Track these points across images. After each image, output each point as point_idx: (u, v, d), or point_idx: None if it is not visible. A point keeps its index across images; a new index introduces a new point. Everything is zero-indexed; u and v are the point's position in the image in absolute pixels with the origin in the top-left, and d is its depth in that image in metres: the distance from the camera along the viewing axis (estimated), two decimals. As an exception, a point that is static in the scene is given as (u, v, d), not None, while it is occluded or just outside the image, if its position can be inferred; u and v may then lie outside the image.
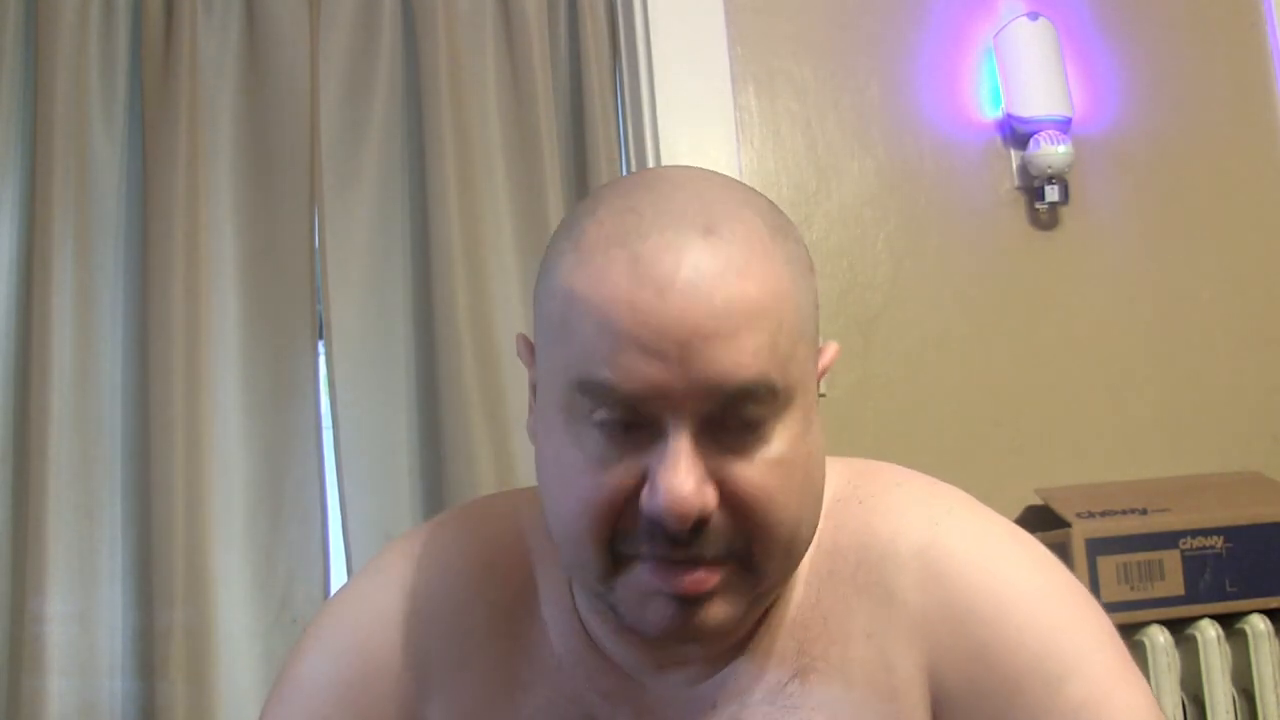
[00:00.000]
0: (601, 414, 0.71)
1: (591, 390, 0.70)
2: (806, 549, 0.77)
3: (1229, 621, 1.64)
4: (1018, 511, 1.77)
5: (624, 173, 1.85)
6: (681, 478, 0.68)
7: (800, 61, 1.91)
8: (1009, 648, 0.78)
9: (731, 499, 0.70)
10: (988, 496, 1.98)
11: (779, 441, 0.72)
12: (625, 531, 0.71)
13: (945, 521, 0.82)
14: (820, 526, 0.80)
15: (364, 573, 0.87)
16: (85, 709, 1.57)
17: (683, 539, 0.70)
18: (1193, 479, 1.82)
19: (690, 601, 0.72)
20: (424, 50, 1.77)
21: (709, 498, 0.69)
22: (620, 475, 0.71)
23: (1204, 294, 1.98)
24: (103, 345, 1.66)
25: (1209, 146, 2.02)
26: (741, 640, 0.80)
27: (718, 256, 0.71)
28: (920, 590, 0.79)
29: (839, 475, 0.85)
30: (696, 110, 1.83)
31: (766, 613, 0.80)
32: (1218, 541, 1.65)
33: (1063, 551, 1.62)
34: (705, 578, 0.71)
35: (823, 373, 0.80)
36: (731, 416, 0.70)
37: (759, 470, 0.71)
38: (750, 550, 0.72)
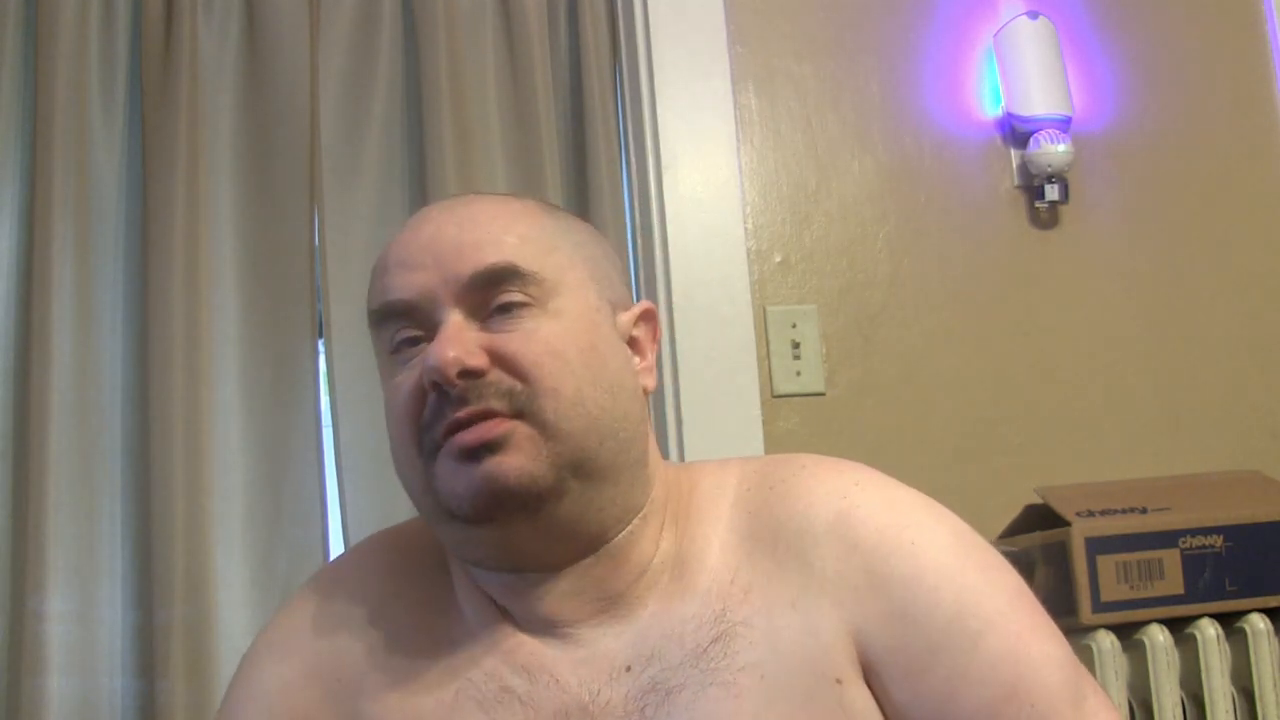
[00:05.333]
0: (396, 338, 0.85)
1: (380, 315, 0.86)
2: (604, 423, 0.84)
3: (1229, 621, 1.64)
4: (1017, 510, 1.77)
5: (624, 172, 1.85)
6: (444, 343, 0.81)
7: (800, 60, 1.91)
8: (927, 607, 0.82)
9: (502, 361, 0.82)
10: (988, 495, 1.98)
11: (546, 324, 0.83)
12: (427, 422, 0.82)
13: (854, 494, 0.87)
14: (732, 517, 0.88)
15: (283, 605, 0.95)
16: (85, 707, 1.57)
17: (457, 393, 0.80)
18: (1193, 478, 1.82)
19: (482, 454, 0.80)
20: (424, 50, 1.77)
21: (471, 354, 0.81)
22: (415, 375, 0.83)
23: (1204, 293, 1.98)
24: (103, 344, 1.66)
25: (1209, 146, 2.03)
26: (637, 596, 0.86)
27: (465, 200, 0.89)
28: (838, 559, 0.84)
29: (749, 470, 0.92)
30: (696, 110, 1.83)
31: (681, 576, 0.86)
32: (1217, 540, 1.65)
33: (1062, 550, 1.63)
34: (490, 427, 0.80)
35: (636, 320, 0.91)
36: (494, 302, 0.83)
37: (524, 339, 0.82)
38: (538, 407, 0.81)
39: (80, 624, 1.58)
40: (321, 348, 1.73)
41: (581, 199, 1.81)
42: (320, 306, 1.73)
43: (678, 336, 1.76)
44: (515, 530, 0.82)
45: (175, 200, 1.65)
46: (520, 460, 0.80)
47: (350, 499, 1.68)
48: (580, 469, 0.82)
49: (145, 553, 1.59)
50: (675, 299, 1.77)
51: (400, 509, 1.69)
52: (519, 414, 0.81)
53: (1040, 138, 1.89)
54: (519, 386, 0.81)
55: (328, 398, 1.71)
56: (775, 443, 1.76)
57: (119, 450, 1.64)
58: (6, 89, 1.69)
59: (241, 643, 1.61)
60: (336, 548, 1.69)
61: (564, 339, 0.83)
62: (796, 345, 1.81)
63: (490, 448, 0.80)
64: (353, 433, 1.70)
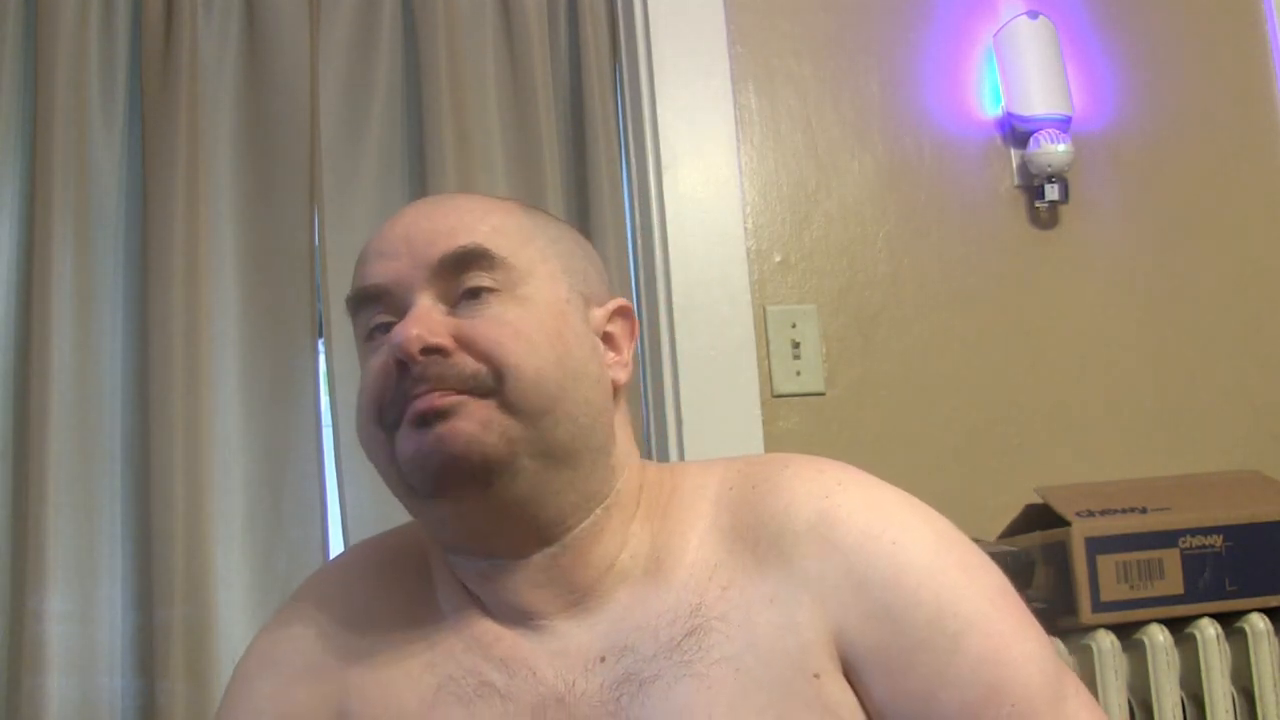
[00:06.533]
0: (371, 323, 0.88)
1: (356, 301, 0.89)
2: (564, 405, 0.85)
3: (1228, 620, 1.64)
4: (1017, 510, 1.77)
5: (624, 172, 1.85)
6: (410, 322, 0.83)
7: (800, 60, 1.91)
8: (908, 607, 0.82)
9: (467, 343, 0.84)
10: (988, 495, 1.98)
11: (512, 309, 0.85)
12: (391, 399, 0.85)
13: (836, 494, 0.87)
14: (714, 514, 0.89)
15: (272, 617, 0.97)
16: (85, 707, 1.57)
17: (418, 371, 0.83)
18: (1193, 478, 1.82)
19: (434, 420, 0.82)
20: (424, 50, 1.77)
21: (435, 333, 0.83)
22: (384, 356, 0.85)
23: (1204, 292, 1.98)
24: (102, 344, 1.66)
25: (1209, 146, 2.03)
26: (608, 589, 0.86)
27: (444, 196, 0.94)
28: (820, 560, 0.84)
29: (733, 469, 0.92)
30: (696, 110, 1.83)
31: (656, 571, 0.87)
32: (1217, 540, 1.65)
33: (1062, 550, 1.63)
34: (440, 397, 0.82)
35: (610, 316, 0.92)
36: (463, 286, 0.85)
37: (489, 324, 0.84)
38: (501, 387, 0.83)
39: (80, 624, 1.58)
40: (321, 348, 1.73)
41: (581, 199, 1.81)
42: (320, 306, 1.73)
43: (678, 336, 1.76)
44: (469, 505, 0.84)
45: (175, 200, 1.65)
46: (470, 427, 0.82)
47: (350, 499, 1.68)
48: (536, 448, 0.84)
49: (145, 553, 1.59)
50: (675, 299, 1.77)
51: (401, 508, 1.69)
52: (481, 394, 0.83)
53: (1040, 137, 1.89)
54: (482, 370, 0.83)
55: (328, 398, 1.71)
56: (775, 442, 1.76)
57: (119, 450, 1.64)
58: (6, 89, 1.69)
59: (241, 643, 1.61)
60: (336, 548, 1.69)
61: (529, 322, 0.85)
62: (796, 345, 1.81)
63: (442, 414, 0.82)
64: (353, 433, 1.69)
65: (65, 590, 1.57)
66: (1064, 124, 1.90)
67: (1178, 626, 1.64)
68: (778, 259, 1.84)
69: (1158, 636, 1.61)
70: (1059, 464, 1.85)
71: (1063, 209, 1.94)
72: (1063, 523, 1.64)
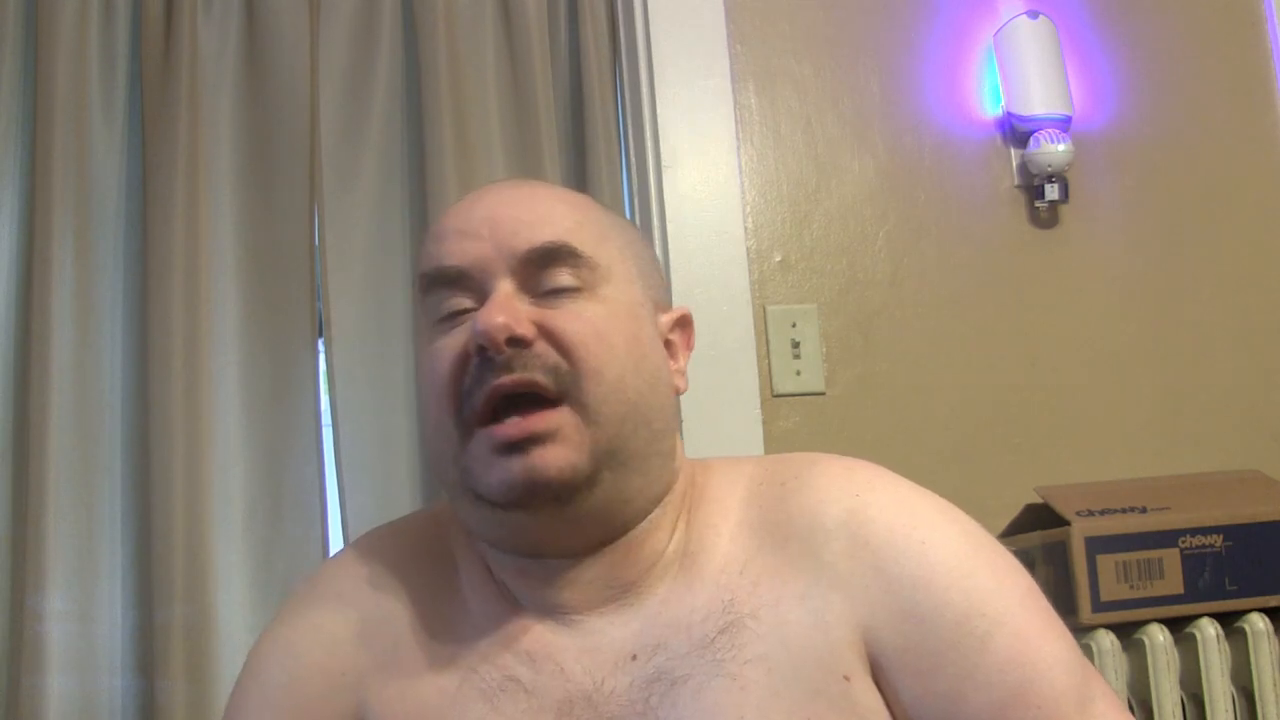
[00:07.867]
0: (445, 306, 0.85)
1: (431, 280, 0.86)
2: (641, 411, 0.84)
3: (1228, 620, 1.64)
4: (1017, 510, 1.77)
5: (624, 172, 1.85)
6: (494, 309, 0.82)
7: (800, 60, 1.91)
8: (936, 607, 0.82)
9: (550, 336, 0.82)
10: (988, 495, 1.98)
11: (593, 307, 0.84)
12: (468, 389, 0.82)
13: (866, 494, 0.87)
14: (744, 510, 0.88)
15: (295, 593, 0.94)
16: (85, 706, 1.57)
17: (502, 360, 0.81)
18: (1193, 477, 1.82)
19: (524, 446, 0.80)
20: (424, 50, 1.77)
21: (520, 322, 0.81)
22: (461, 340, 0.83)
23: (1204, 292, 1.98)
24: (103, 344, 1.66)
25: (1209, 145, 2.02)
26: (648, 585, 0.85)
27: (526, 182, 0.92)
28: (850, 557, 0.84)
29: (763, 467, 0.91)
30: (696, 109, 1.83)
31: (690, 567, 0.86)
32: (1217, 540, 1.65)
33: (1062, 550, 1.63)
34: (534, 420, 0.80)
35: (673, 324, 0.92)
36: (545, 280, 0.84)
37: (572, 318, 0.83)
38: (581, 389, 0.81)
39: (80, 623, 1.58)
40: (321, 348, 1.73)
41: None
42: (320, 306, 1.73)
43: (678, 336, 1.76)
44: (543, 518, 0.83)
45: (175, 200, 1.65)
46: (565, 452, 0.81)
47: (350, 499, 1.68)
48: (614, 457, 0.83)
49: (145, 553, 1.59)
50: (675, 299, 1.77)
51: (400, 509, 1.69)
52: (562, 393, 0.81)
53: (1040, 137, 1.89)
54: (564, 365, 0.82)
55: (328, 398, 1.71)
56: (775, 442, 1.76)
57: (119, 450, 1.64)
58: (6, 89, 1.69)
59: (242, 642, 1.62)
60: (336, 547, 1.69)
61: (610, 324, 0.84)
62: (796, 345, 1.81)
63: (536, 439, 0.80)
64: (353, 433, 1.70)
65: (65, 590, 1.57)
66: (1064, 124, 1.90)
67: (1178, 626, 1.64)
68: (778, 259, 1.84)
69: (1157, 636, 1.61)
70: (1059, 464, 1.85)
71: (1063, 209, 1.94)
72: (1063, 522, 1.64)
